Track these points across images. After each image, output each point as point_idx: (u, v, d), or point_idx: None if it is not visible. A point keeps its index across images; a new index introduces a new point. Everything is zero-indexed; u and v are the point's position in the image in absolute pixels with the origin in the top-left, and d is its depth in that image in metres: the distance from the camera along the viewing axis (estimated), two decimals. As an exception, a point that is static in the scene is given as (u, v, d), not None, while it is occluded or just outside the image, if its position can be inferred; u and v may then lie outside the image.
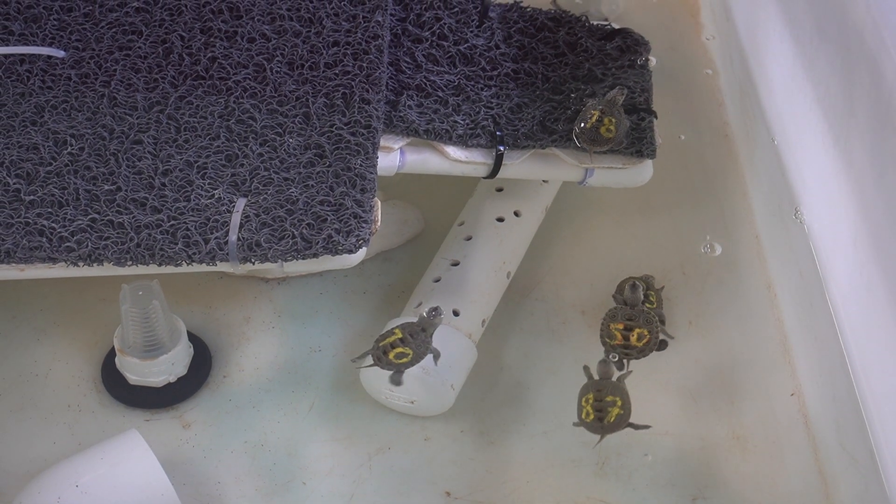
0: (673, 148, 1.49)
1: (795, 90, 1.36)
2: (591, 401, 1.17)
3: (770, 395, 1.30)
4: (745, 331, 1.36)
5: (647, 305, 1.28)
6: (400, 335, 1.20)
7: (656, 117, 1.34)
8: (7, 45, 1.38)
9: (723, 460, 1.25)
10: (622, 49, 1.41)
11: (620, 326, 1.21)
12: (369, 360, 1.21)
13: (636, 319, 1.21)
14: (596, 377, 1.19)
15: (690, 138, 1.54)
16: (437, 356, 1.22)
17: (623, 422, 1.16)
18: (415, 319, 1.26)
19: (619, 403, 1.16)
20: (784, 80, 1.40)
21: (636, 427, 1.18)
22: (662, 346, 1.25)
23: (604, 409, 1.16)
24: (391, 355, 1.20)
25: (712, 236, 1.45)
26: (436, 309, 1.23)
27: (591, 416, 1.16)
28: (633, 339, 1.21)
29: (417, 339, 1.20)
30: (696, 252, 1.44)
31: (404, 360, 1.20)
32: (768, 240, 1.42)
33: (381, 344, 1.20)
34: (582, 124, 1.29)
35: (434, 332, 1.24)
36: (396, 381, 1.22)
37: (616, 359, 1.21)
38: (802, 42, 1.35)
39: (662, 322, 1.30)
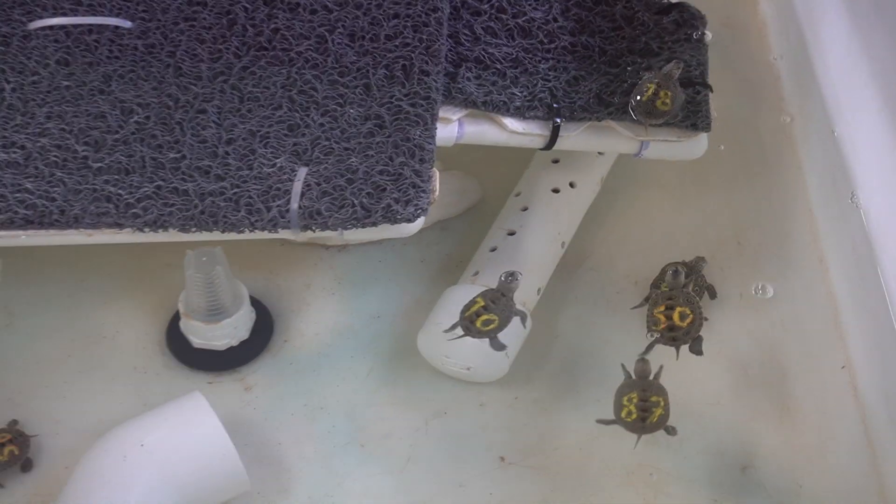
0: (727, 122, 1.47)
1: (852, 67, 1.36)
2: (634, 400, 1.16)
3: (820, 368, 1.31)
4: (797, 304, 1.37)
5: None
6: (482, 303, 1.21)
7: (712, 91, 1.34)
8: (76, 15, 1.40)
9: (772, 431, 1.26)
10: (678, 23, 1.41)
11: (662, 308, 1.20)
12: (459, 331, 1.21)
13: (676, 299, 1.20)
14: (633, 376, 1.18)
15: (745, 113, 1.54)
16: (524, 318, 1.24)
17: (663, 423, 1.16)
18: (474, 286, 1.28)
19: (662, 404, 1.16)
20: (840, 56, 1.40)
21: (669, 431, 1.17)
22: (697, 343, 1.22)
23: (648, 410, 1.15)
24: (478, 324, 1.21)
25: (766, 212, 1.45)
26: (512, 273, 1.23)
27: (635, 416, 1.15)
28: (676, 318, 1.19)
29: (500, 305, 1.22)
30: (752, 224, 1.44)
31: (492, 326, 1.21)
32: (822, 216, 1.43)
33: (466, 314, 1.21)
34: (638, 97, 1.28)
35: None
36: (498, 346, 1.23)
37: (656, 342, 1.21)
38: (859, 16, 1.34)
39: (712, 295, 1.32)
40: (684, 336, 1.19)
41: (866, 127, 1.32)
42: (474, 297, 1.22)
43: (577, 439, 1.26)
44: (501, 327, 1.21)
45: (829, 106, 1.41)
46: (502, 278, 1.23)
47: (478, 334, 1.21)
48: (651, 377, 1.17)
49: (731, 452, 1.25)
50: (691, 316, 1.20)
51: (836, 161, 1.37)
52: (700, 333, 1.20)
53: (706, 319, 1.23)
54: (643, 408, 1.15)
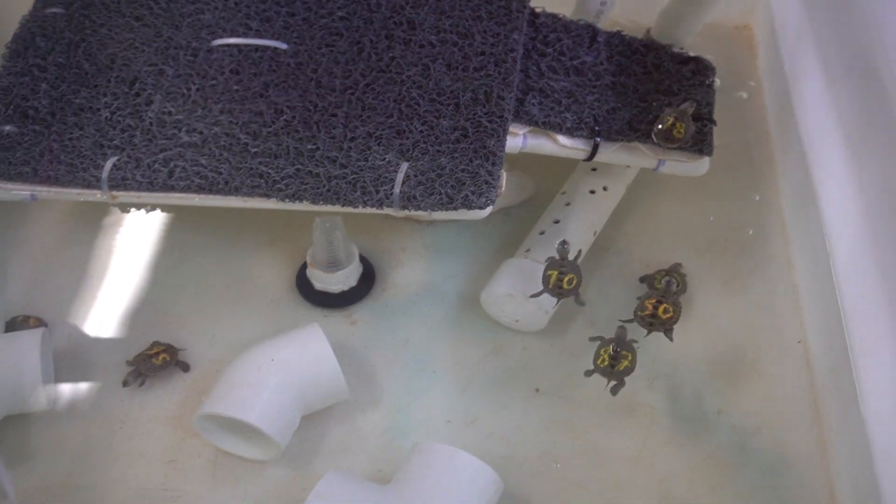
0: (726, 149, 1.45)
1: (824, 113, 1.31)
2: (609, 352, 1.16)
3: (782, 341, 1.27)
4: (767, 291, 1.33)
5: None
6: (559, 268, 1.20)
7: (715, 125, 1.31)
8: (247, 37, 1.38)
9: (742, 386, 1.23)
10: (695, 71, 1.37)
11: (653, 301, 1.19)
12: (546, 297, 1.23)
13: (665, 298, 1.19)
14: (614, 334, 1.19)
15: (739, 141, 1.50)
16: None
17: (628, 373, 1.16)
18: (525, 260, 1.26)
19: (630, 359, 1.16)
20: (815, 104, 1.35)
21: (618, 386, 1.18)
22: (670, 333, 1.20)
23: (617, 360, 1.15)
24: (565, 285, 1.20)
25: (749, 217, 1.41)
26: (564, 241, 1.22)
27: (606, 363, 1.16)
28: (661, 311, 1.18)
29: (569, 266, 1.21)
30: (738, 227, 1.40)
31: (574, 283, 1.20)
32: (791, 223, 1.38)
33: (552, 284, 1.20)
34: (659, 126, 1.26)
35: (536, 271, 1.24)
36: (580, 302, 1.23)
37: (635, 320, 1.21)
38: (832, 77, 1.30)
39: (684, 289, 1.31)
40: (659, 325, 1.18)
41: (829, 157, 1.28)
42: (547, 272, 1.21)
43: (594, 379, 1.22)
44: (580, 282, 1.21)
45: (804, 140, 1.37)
46: (558, 247, 1.22)
47: (567, 293, 1.21)
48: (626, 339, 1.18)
49: (709, 399, 1.22)
50: (671, 314, 1.19)
51: (805, 182, 1.33)
52: (674, 325, 1.19)
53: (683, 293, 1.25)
54: (614, 357, 1.16)
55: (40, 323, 1.27)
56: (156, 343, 1.25)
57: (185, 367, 1.25)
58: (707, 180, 1.35)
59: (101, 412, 1.22)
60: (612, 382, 1.18)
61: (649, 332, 1.20)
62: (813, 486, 1.15)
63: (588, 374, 1.19)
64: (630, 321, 1.21)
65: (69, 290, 1.33)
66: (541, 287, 1.23)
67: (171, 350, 1.24)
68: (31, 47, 1.38)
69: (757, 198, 1.44)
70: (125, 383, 1.22)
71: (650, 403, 1.22)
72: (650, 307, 1.19)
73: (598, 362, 1.18)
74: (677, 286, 1.26)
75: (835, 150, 1.25)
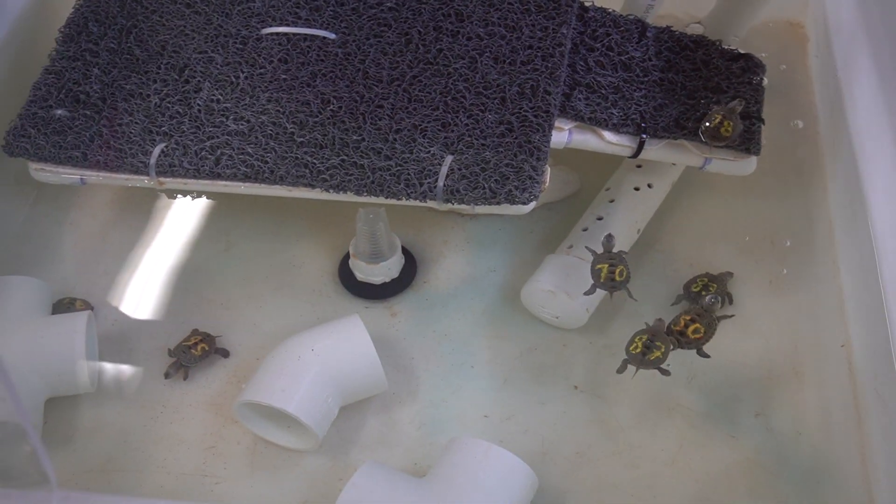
0: (774, 148, 1.43)
1: (875, 114, 1.29)
2: (643, 340, 1.14)
3: (825, 344, 1.25)
4: (812, 293, 1.31)
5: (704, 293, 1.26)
6: (609, 261, 1.20)
7: (764, 124, 1.29)
8: (296, 26, 1.38)
9: (782, 388, 1.21)
10: (744, 69, 1.35)
11: (688, 318, 1.15)
12: (595, 292, 1.22)
13: (701, 318, 1.16)
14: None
15: (788, 141, 1.47)
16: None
17: (658, 363, 1.14)
18: (568, 256, 1.25)
19: (662, 350, 1.14)
20: (867, 105, 1.33)
21: (662, 372, 1.15)
22: (702, 351, 1.17)
23: (650, 349, 1.14)
24: (617, 277, 1.19)
25: (796, 217, 1.39)
26: (609, 235, 1.22)
27: (639, 350, 1.14)
28: (690, 331, 1.15)
29: (617, 258, 1.20)
30: (784, 227, 1.38)
31: (625, 275, 1.20)
32: (839, 225, 1.35)
33: (603, 278, 1.19)
34: (707, 124, 1.24)
35: (578, 268, 1.23)
36: (632, 297, 1.23)
37: (667, 332, 1.17)
38: (886, 77, 1.28)
39: (730, 301, 1.29)
40: (686, 343, 1.15)
41: (880, 159, 1.26)
42: (596, 266, 1.20)
43: (634, 379, 1.21)
44: (630, 274, 1.20)
45: (854, 141, 1.34)
46: (603, 241, 1.22)
47: (620, 286, 1.20)
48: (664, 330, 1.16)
49: (748, 401, 1.21)
50: (701, 335, 1.15)
51: (854, 184, 1.30)
52: (702, 345, 1.16)
53: (731, 316, 1.21)
54: (647, 346, 1.14)
55: (87, 306, 1.29)
56: (193, 333, 1.26)
57: (225, 354, 1.26)
58: (753, 180, 1.33)
59: (143, 396, 1.23)
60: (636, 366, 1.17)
61: (675, 347, 1.16)
62: (852, 493, 1.13)
63: (621, 369, 1.17)
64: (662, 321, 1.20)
65: (115, 274, 1.35)
66: (587, 284, 1.22)
67: (208, 339, 1.25)
68: (84, 32, 1.39)
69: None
70: (167, 375, 1.23)
71: (687, 404, 1.20)
72: (682, 323, 1.16)
73: (631, 348, 1.16)
74: (721, 304, 1.24)
75: (886, 153, 1.22)
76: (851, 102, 1.38)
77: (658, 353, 1.15)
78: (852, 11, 1.43)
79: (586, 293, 1.22)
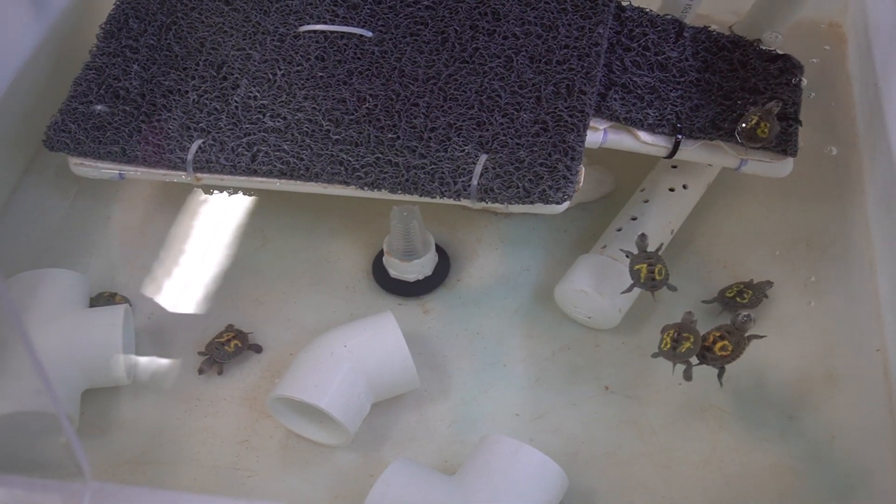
0: (810, 150, 1.42)
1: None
2: (672, 334, 1.13)
3: (860, 349, 1.23)
4: (848, 297, 1.29)
5: (738, 299, 1.25)
6: (647, 260, 1.19)
7: (801, 125, 1.28)
8: (333, 24, 1.39)
9: (816, 392, 1.20)
10: (782, 70, 1.34)
11: (718, 334, 1.13)
12: (631, 292, 1.22)
13: (730, 336, 1.13)
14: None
15: (826, 144, 1.46)
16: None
17: (690, 354, 1.12)
18: (601, 256, 1.25)
19: (692, 340, 1.12)
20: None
21: (687, 372, 1.14)
22: (721, 371, 1.15)
23: (679, 342, 1.12)
24: (657, 276, 1.19)
25: (833, 220, 1.37)
26: (642, 234, 1.22)
27: (669, 346, 1.13)
28: (717, 347, 1.12)
29: (654, 258, 1.20)
30: (821, 230, 1.36)
31: (664, 273, 1.20)
32: (876, 229, 1.34)
33: (643, 278, 1.19)
34: (743, 125, 1.23)
35: (612, 268, 1.23)
36: (673, 287, 1.21)
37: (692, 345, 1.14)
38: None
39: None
40: (712, 360, 1.13)
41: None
42: (635, 267, 1.20)
43: (666, 380, 1.21)
44: (668, 272, 1.20)
45: (892, 145, 1.32)
46: (637, 240, 1.21)
47: (661, 284, 1.20)
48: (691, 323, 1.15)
49: (781, 404, 1.19)
50: (729, 353, 1.13)
51: (892, 187, 1.29)
52: (726, 365, 1.14)
53: (763, 337, 1.16)
54: (676, 339, 1.13)
55: (124, 300, 1.30)
56: (227, 329, 1.27)
57: (258, 349, 1.26)
58: (790, 182, 1.32)
59: (178, 390, 1.24)
60: (680, 366, 1.15)
61: (699, 363, 1.14)
62: (887, 500, 1.12)
63: (654, 355, 1.17)
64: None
65: (152, 268, 1.36)
66: (621, 284, 1.21)
67: (241, 336, 1.25)
68: (125, 28, 1.41)
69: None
70: (200, 371, 1.24)
71: (720, 406, 1.19)
72: (711, 338, 1.14)
73: (662, 346, 1.15)
74: (753, 306, 1.24)
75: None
76: (890, 104, 1.36)
77: (688, 345, 1.14)
78: (892, 11, 1.41)
79: (623, 292, 1.22)
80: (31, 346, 0.68)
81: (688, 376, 1.14)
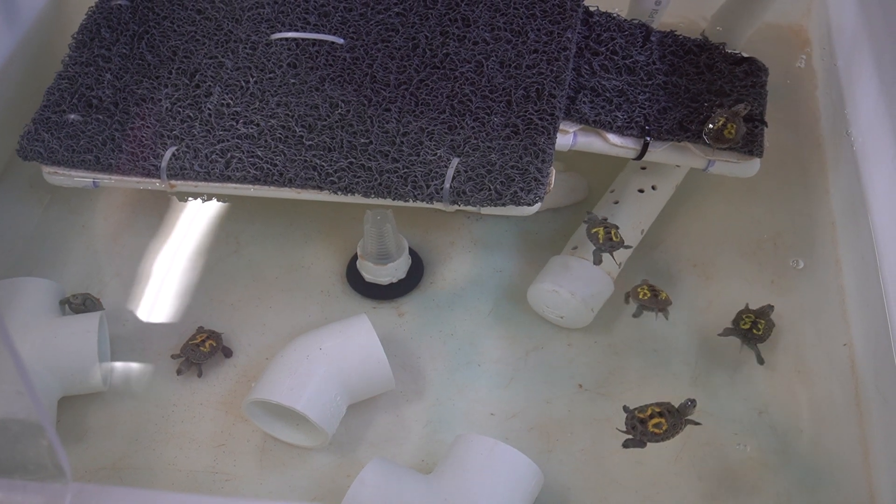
0: (776, 150, 1.44)
1: (877, 117, 1.30)
2: (645, 288, 1.22)
3: (828, 344, 1.26)
4: (814, 294, 1.32)
5: (755, 331, 1.24)
6: (603, 224, 1.24)
7: (766, 126, 1.30)
8: (305, 31, 1.40)
9: (785, 387, 1.22)
10: (747, 73, 1.36)
11: (657, 410, 1.09)
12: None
13: (668, 417, 1.08)
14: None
15: (790, 143, 1.48)
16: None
17: (669, 303, 1.21)
18: (572, 257, 1.26)
19: (666, 295, 1.21)
20: (868, 107, 1.34)
21: (666, 315, 1.21)
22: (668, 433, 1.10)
23: (656, 292, 1.21)
24: (613, 237, 1.23)
25: (799, 219, 1.40)
26: (588, 211, 1.26)
27: (649, 295, 1.20)
28: (651, 423, 1.07)
29: (608, 223, 1.25)
30: (787, 228, 1.39)
31: (619, 236, 1.23)
32: (841, 227, 1.37)
33: (601, 236, 1.23)
34: (710, 126, 1.26)
35: (583, 269, 1.24)
36: (628, 245, 1.26)
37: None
38: (886, 79, 1.29)
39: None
40: (641, 433, 1.08)
41: (881, 162, 1.27)
42: (592, 230, 1.24)
43: (638, 377, 1.24)
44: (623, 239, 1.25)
45: (856, 144, 1.35)
46: (589, 217, 1.27)
47: (618, 245, 1.23)
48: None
49: (751, 400, 1.22)
50: (661, 432, 1.08)
51: (856, 185, 1.32)
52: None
53: (699, 424, 1.11)
54: (653, 291, 1.21)
55: (96, 303, 1.29)
56: (199, 331, 1.28)
57: (228, 353, 1.27)
58: (756, 182, 1.35)
59: (154, 396, 1.24)
60: (659, 312, 1.21)
61: (625, 431, 1.10)
62: (854, 490, 1.14)
63: (637, 312, 1.23)
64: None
65: (127, 276, 1.36)
66: (592, 284, 1.24)
67: (215, 336, 1.26)
68: (97, 38, 1.41)
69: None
70: (179, 372, 1.25)
71: (692, 403, 1.21)
72: (649, 412, 1.08)
73: (640, 296, 1.21)
74: (763, 331, 1.24)
75: (887, 155, 1.23)
76: (853, 105, 1.39)
77: (664, 294, 1.21)
78: (854, 15, 1.44)
79: (595, 263, 1.24)
80: (14, 349, 0.68)
81: (639, 313, 1.23)
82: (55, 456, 0.76)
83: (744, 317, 1.25)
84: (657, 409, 1.09)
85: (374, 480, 1.06)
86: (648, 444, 1.08)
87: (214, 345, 1.25)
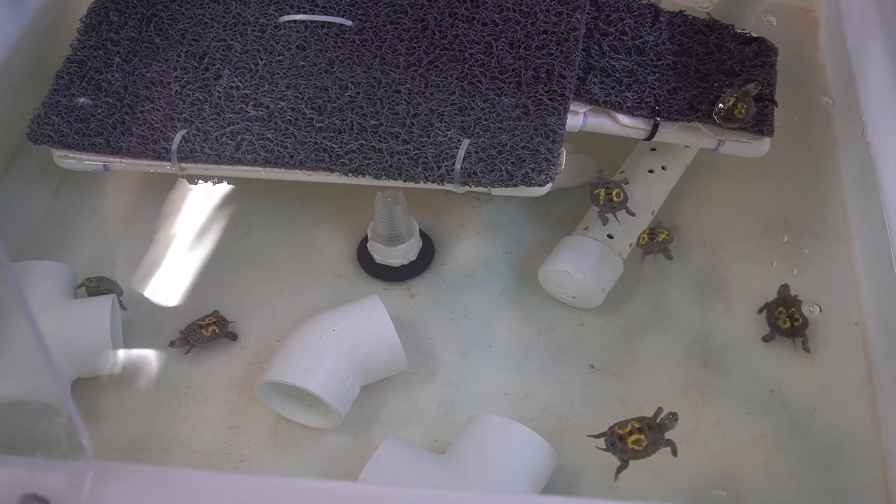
0: (786, 130, 1.45)
1: (887, 95, 1.30)
2: (645, 232, 1.27)
3: (839, 322, 1.26)
4: (826, 273, 1.32)
5: (796, 324, 1.24)
6: (606, 185, 1.27)
7: (777, 106, 1.30)
8: (314, 13, 1.40)
9: (797, 366, 1.23)
10: (757, 52, 1.36)
11: (637, 426, 1.06)
12: None
13: (649, 432, 1.06)
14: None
15: (801, 123, 1.49)
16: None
17: (666, 243, 1.26)
18: (584, 238, 1.27)
19: (667, 234, 1.26)
20: (879, 87, 1.34)
21: (667, 255, 1.28)
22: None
23: (655, 234, 1.26)
24: (613, 198, 1.27)
25: (809, 198, 1.40)
26: (600, 170, 1.29)
27: (646, 239, 1.26)
28: (631, 440, 1.06)
29: (613, 182, 1.28)
30: (797, 208, 1.39)
31: (622, 196, 1.27)
32: (852, 206, 1.37)
33: (602, 197, 1.27)
34: (721, 106, 1.26)
35: (594, 249, 1.25)
36: (631, 213, 1.28)
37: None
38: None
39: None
40: (620, 451, 1.06)
41: (892, 140, 1.27)
42: (594, 191, 1.28)
43: (650, 357, 1.24)
44: (627, 197, 1.29)
45: (866, 123, 1.35)
46: (598, 175, 1.31)
47: (619, 206, 1.27)
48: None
49: (763, 378, 1.22)
50: (640, 448, 1.06)
51: (867, 165, 1.32)
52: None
53: (674, 451, 1.08)
54: (651, 234, 1.25)
55: (114, 285, 1.30)
56: (211, 314, 1.28)
57: (234, 337, 1.27)
58: (767, 161, 1.35)
59: (167, 378, 1.25)
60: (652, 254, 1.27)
61: (605, 448, 1.07)
62: (866, 467, 1.15)
63: (643, 258, 1.29)
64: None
65: (138, 259, 1.37)
66: (603, 265, 1.24)
67: (221, 323, 1.26)
68: (105, 21, 1.41)
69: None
70: (171, 344, 1.26)
71: (703, 381, 1.22)
72: (629, 427, 1.06)
73: (638, 242, 1.27)
74: (798, 323, 1.24)
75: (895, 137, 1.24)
76: (863, 84, 1.39)
77: (664, 235, 1.26)
78: (864, -6, 1.44)
79: (603, 224, 1.28)
80: (36, 325, 0.69)
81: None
82: (76, 434, 0.76)
83: (776, 314, 1.24)
84: (637, 425, 1.07)
85: (388, 461, 1.07)
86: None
87: (217, 331, 1.25)
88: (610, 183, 1.27)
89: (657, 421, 1.07)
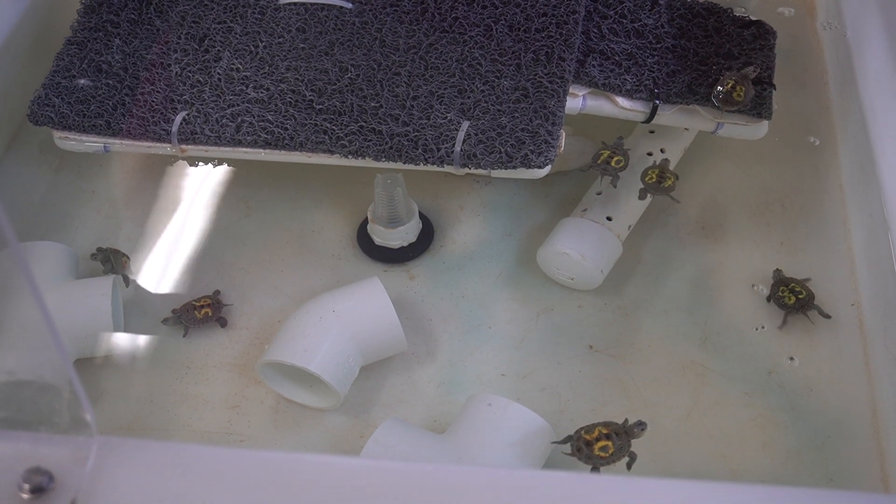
0: (784, 112, 1.45)
1: (886, 78, 1.31)
2: (655, 171, 1.28)
3: (835, 304, 1.27)
4: (822, 252, 1.33)
5: (801, 297, 1.25)
6: (612, 150, 1.28)
7: (775, 89, 1.31)
8: (313, -4, 1.41)
9: (794, 347, 1.24)
10: (756, 35, 1.37)
11: (605, 432, 1.06)
12: None
13: (616, 439, 1.06)
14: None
15: (799, 106, 1.49)
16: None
17: (672, 189, 1.27)
18: (582, 219, 1.28)
19: (674, 179, 1.28)
20: (877, 69, 1.35)
21: (673, 197, 1.29)
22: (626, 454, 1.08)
23: (664, 177, 1.27)
24: (612, 164, 1.27)
25: (807, 180, 1.41)
26: (619, 137, 1.30)
27: (654, 179, 1.27)
28: (598, 446, 1.05)
29: (621, 151, 1.29)
30: (795, 190, 1.40)
31: (622, 164, 1.28)
32: (849, 188, 1.38)
33: (602, 158, 1.27)
34: (719, 89, 1.27)
35: (593, 231, 1.26)
36: (614, 185, 1.28)
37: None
38: (894, 40, 1.30)
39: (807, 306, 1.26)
40: (586, 456, 1.06)
41: (890, 123, 1.28)
42: (599, 151, 1.29)
43: (648, 338, 1.25)
44: (626, 167, 1.29)
45: (864, 106, 1.36)
46: (615, 141, 1.32)
47: (611, 172, 1.27)
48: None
49: (761, 359, 1.23)
50: (607, 455, 1.05)
51: (865, 147, 1.32)
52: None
53: (633, 460, 1.08)
54: (661, 176, 1.27)
55: (123, 257, 1.31)
56: (213, 294, 1.29)
57: (223, 323, 1.28)
58: (765, 144, 1.35)
59: (168, 358, 1.25)
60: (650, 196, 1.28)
61: (571, 454, 1.07)
62: (863, 447, 1.16)
63: (642, 195, 1.28)
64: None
65: (138, 240, 1.37)
66: (602, 246, 1.25)
67: (215, 306, 1.27)
68: (105, 3, 1.42)
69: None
70: (164, 321, 1.27)
71: (702, 363, 1.23)
72: (596, 433, 1.06)
73: (647, 179, 1.28)
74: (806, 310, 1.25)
75: (893, 119, 1.24)
76: (861, 67, 1.40)
77: (671, 180, 1.27)
78: (862, -23, 1.45)
79: (580, 169, 1.35)
80: (42, 301, 0.70)
81: (643, 195, 1.29)
82: (80, 409, 0.77)
83: (780, 294, 1.26)
84: (605, 431, 1.06)
85: (388, 440, 1.08)
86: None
87: (209, 314, 1.26)
88: (619, 150, 1.28)
89: (625, 428, 1.07)
